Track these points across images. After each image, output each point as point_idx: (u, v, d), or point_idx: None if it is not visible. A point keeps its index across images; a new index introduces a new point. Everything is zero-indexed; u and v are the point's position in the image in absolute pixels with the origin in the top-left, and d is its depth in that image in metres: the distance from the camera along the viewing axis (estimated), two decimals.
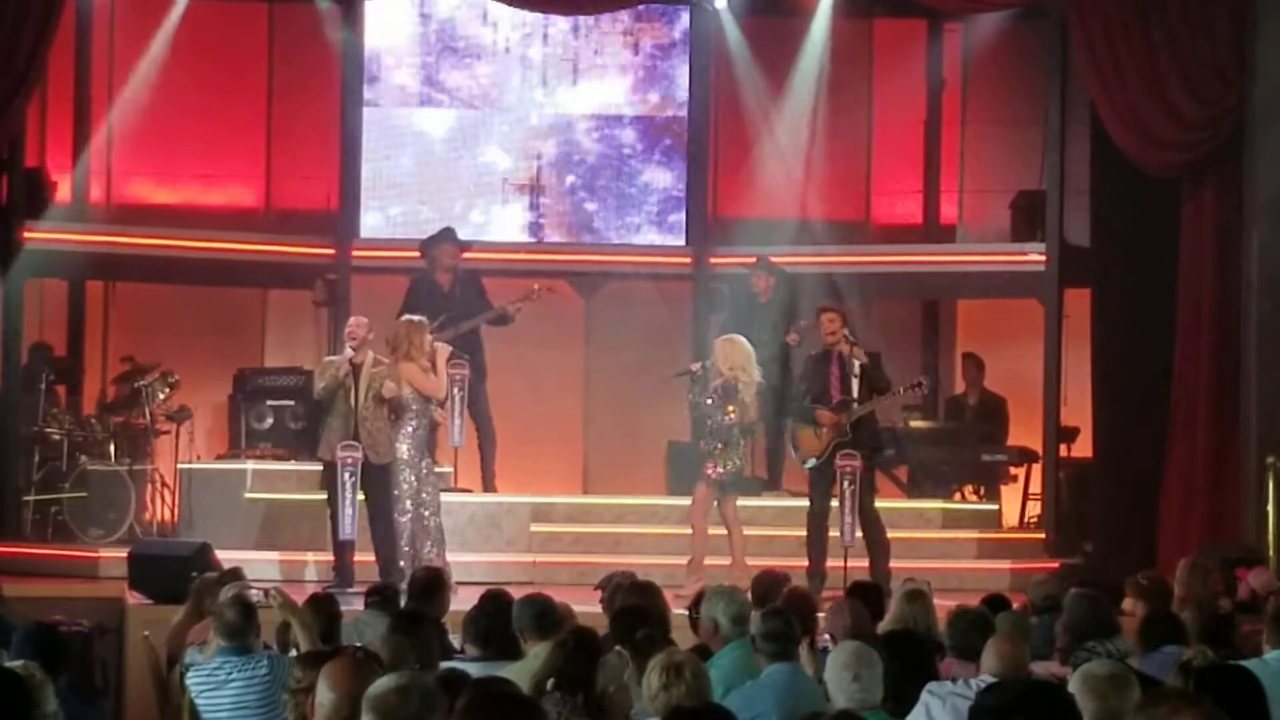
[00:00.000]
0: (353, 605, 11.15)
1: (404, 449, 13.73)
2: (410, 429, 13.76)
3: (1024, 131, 17.41)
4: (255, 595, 9.05)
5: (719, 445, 13.60)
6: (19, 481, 15.37)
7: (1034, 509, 16.81)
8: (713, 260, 17.59)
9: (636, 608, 8.63)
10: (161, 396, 15.89)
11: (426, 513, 13.80)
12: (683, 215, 17.79)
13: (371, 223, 17.49)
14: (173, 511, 15.74)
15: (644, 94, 17.86)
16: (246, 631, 8.40)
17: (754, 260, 16.33)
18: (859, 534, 13.72)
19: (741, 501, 14.06)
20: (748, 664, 8.03)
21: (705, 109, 17.78)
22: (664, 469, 16.70)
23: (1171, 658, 7.58)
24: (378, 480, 13.65)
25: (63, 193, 16.81)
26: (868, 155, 18.23)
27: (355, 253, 17.24)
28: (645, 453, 16.93)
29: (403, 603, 10.25)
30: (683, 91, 17.78)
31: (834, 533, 13.71)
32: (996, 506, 16.39)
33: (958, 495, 16.79)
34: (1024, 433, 16.69)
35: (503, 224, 17.68)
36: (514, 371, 16.58)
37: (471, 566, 14.28)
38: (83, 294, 17.42)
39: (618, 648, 7.68)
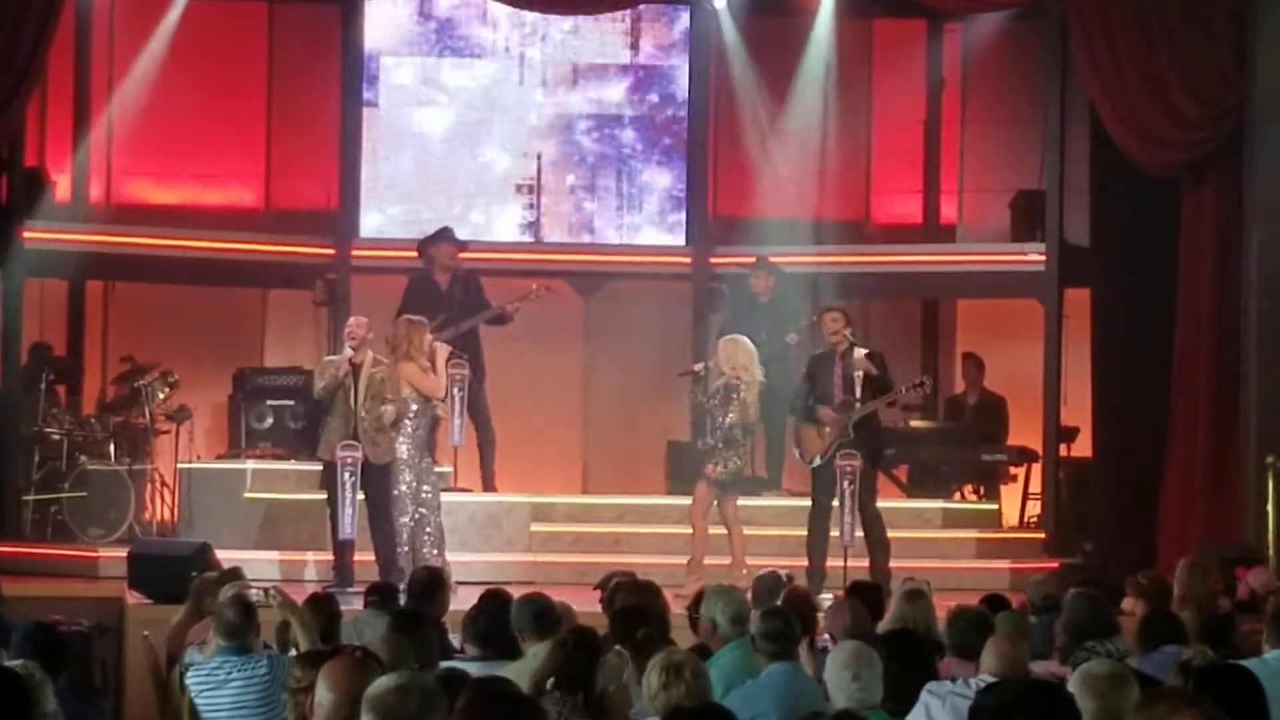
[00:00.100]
0: (352, 605, 11.16)
1: (404, 449, 13.73)
2: (410, 429, 13.76)
3: (1024, 131, 17.41)
4: (255, 595, 9.05)
5: (719, 445, 13.60)
6: (19, 481, 15.36)
7: (1034, 509, 16.82)
8: (712, 260, 17.59)
9: (636, 607, 8.63)
10: (161, 396, 15.89)
11: (426, 512, 13.81)
12: (682, 215, 17.79)
13: (371, 223, 17.49)
14: (172, 511, 15.74)
15: (644, 94, 17.86)
16: (246, 631, 8.40)
17: (754, 260, 16.34)
18: (859, 534, 13.72)
19: (741, 501, 14.07)
20: (747, 664, 8.03)
21: (705, 109, 17.78)
22: (664, 469, 16.71)
23: (1171, 657, 7.58)
24: (378, 480, 13.65)
25: (62, 192, 16.83)
26: (868, 155, 18.23)
27: (355, 253, 17.24)
28: (645, 453, 16.94)
29: (402, 602, 10.26)
30: (683, 91, 17.78)
31: (834, 532, 13.71)
32: (996, 506, 16.40)
33: (957, 495, 16.79)
34: (1024, 432, 16.68)
35: (502, 224, 17.68)
36: (514, 371, 16.58)
37: (471, 566, 14.28)
38: (82, 294, 17.41)
39: (617, 647, 7.67)
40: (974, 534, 15.71)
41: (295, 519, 14.90)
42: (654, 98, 17.88)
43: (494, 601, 8.70)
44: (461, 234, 16.38)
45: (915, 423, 17.00)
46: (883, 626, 9.23)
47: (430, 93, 17.70)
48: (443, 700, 4.98)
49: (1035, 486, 16.73)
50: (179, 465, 15.68)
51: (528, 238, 17.70)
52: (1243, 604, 11.35)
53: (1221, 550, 13.28)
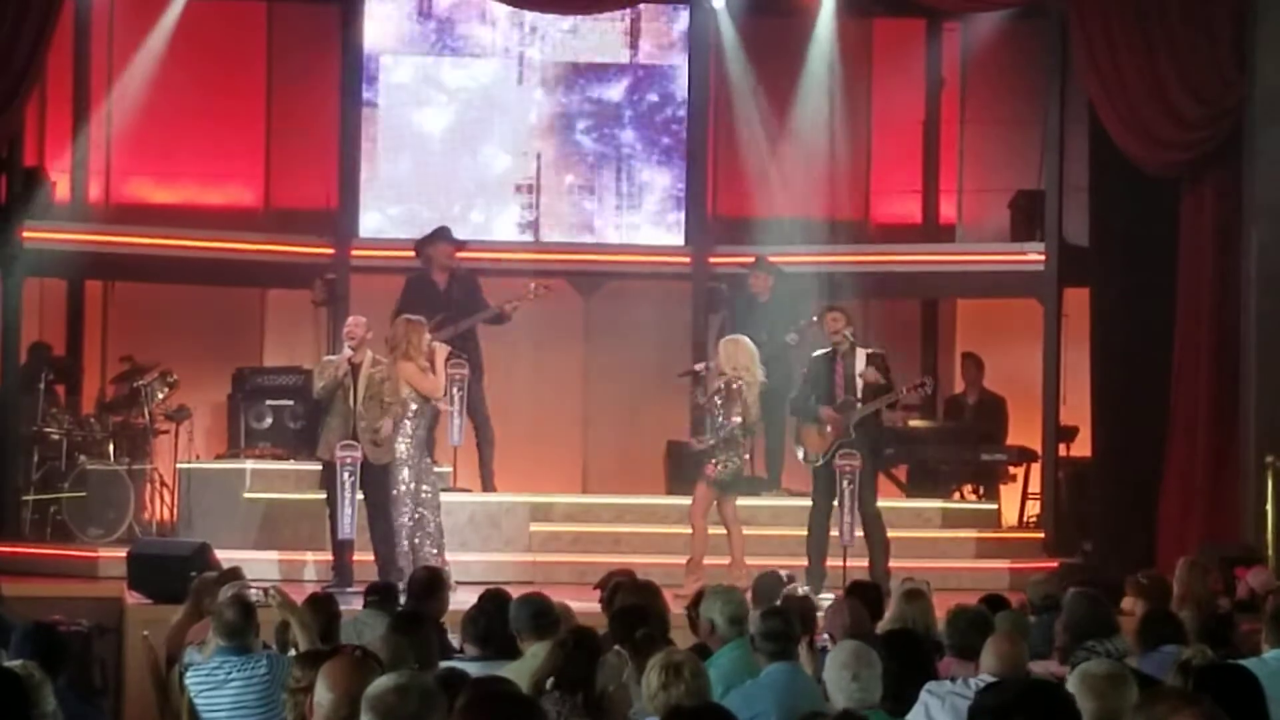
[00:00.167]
0: (352, 605, 11.16)
1: (403, 448, 13.73)
2: (410, 428, 13.75)
3: (1023, 131, 17.41)
4: (254, 595, 9.05)
5: (719, 445, 13.60)
6: (18, 481, 15.36)
7: (1033, 508, 16.82)
8: (712, 260, 17.58)
9: (636, 607, 8.62)
10: (160, 396, 15.89)
11: (426, 512, 13.80)
12: (682, 215, 17.79)
13: (371, 223, 17.49)
14: (172, 511, 15.74)
15: (643, 93, 17.86)
16: (246, 631, 8.40)
17: (753, 260, 16.34)
18: (859, 533, 13.72)
19: (741, 501, 14.07)
20: (747, 663, 8.03)
21: (704, 108, 17.78)
22: (664, 469, 16.71)
23: (1170, 657, 7.57)
24: (377, 480, 13.65)
25: (62, 192, 16.81)
26: (867, 155, 18.22)
27: (354, 252, 17.23)
28: (645, 452, 16.94)
29: (402, 602, 10.25)
30: (682, 91, 17.78)
31: (834, 532, 13.72)
32: (996, 506, 16.40)
33: (957, 495, 16.79)
34: (1023, 432, 16.69)
35: (502, 223, 17.68)
36: (513, 371, 16.59)
37: (471, 566, 14.28)
38: (82, 294, 17.41)
39: (617, 647, 7.67)
40: (973, 534, 15.71)
41: (295, 519, 14.90)
42: (653, 97, 17.88)
43: (493, 601, 8.70)
44: (461, 233, 16.38)
45: (915, 422, 17.00)
46: (882, 626, 9.23)
47: (430, 92, 17.70)
48: (442, 700, 4.97)
49: (1035, 486, 16.74)
50: (178, 465, 15.69)
51: (527, 237, 17.70)
52: (1242, 603, 11.35)
53: (1221, 550, 13.28)
